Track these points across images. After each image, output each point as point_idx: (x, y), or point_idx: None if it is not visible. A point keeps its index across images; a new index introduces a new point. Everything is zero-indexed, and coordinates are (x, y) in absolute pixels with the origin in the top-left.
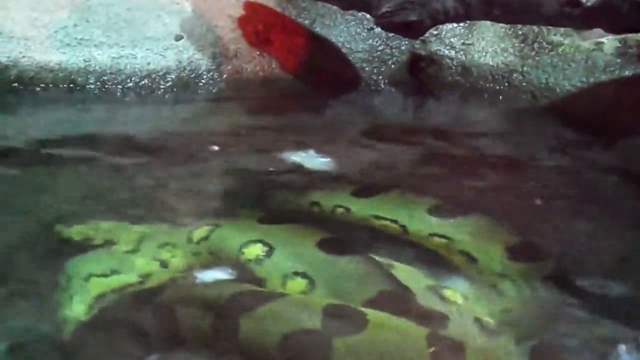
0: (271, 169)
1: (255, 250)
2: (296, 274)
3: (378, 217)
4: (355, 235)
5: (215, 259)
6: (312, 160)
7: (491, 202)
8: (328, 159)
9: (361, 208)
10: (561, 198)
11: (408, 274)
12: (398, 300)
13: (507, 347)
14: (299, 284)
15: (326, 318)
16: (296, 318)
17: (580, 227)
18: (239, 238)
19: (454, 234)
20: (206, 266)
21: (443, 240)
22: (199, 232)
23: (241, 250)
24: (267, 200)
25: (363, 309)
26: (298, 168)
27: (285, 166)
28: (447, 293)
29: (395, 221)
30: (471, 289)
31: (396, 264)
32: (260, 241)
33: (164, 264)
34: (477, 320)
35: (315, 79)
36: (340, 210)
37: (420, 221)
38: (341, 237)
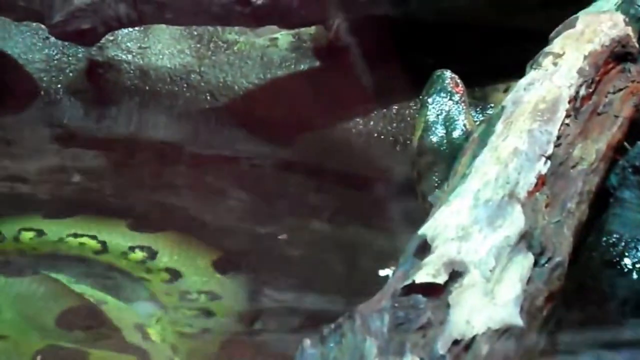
0: None
1: None
2: None
3: (76, 235)
4: (42, 258)
5: None
6: None
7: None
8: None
9: (56, 229)
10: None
11: (119, 312)
12: (87, 314)
13: None
14: None
15: None
16: None
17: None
18: None
19: (157, 246)
20: None
21: (144, 254)
22: None
23: None
24: None
25: (86, 348)
26: None
27: None
28: (150, 331)
29: (94, 237)
30: (166, 317)
31: (110, 298)
32: None
33: None
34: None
35: None
36: (28, 234)
37: (121, 236)
38: (20, 260)
